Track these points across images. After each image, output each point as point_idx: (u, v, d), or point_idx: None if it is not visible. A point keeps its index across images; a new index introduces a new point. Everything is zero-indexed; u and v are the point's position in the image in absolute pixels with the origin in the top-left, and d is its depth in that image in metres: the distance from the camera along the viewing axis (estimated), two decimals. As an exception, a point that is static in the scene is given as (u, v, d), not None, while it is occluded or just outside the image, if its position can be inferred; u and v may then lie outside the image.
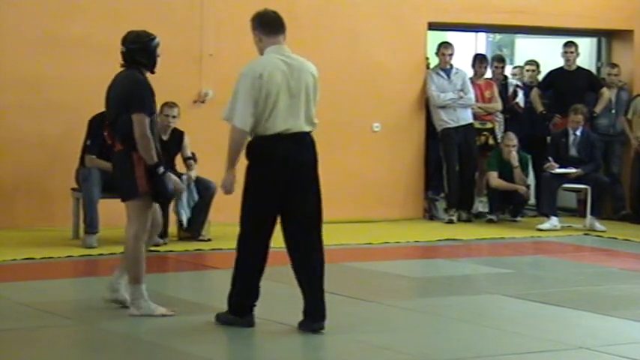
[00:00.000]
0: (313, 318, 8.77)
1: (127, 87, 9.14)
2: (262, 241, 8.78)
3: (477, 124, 15.96)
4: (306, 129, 8.73)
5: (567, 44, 16.54)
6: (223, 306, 8.90)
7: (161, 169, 9.08)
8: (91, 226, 12.52)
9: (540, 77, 17.05)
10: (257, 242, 8.78)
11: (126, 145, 9.05)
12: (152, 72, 9.28)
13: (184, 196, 12.92)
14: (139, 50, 9.17)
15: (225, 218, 12.22)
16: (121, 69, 9.25)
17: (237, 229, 8.82)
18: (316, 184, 8.83)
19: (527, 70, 17.42)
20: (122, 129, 9.06)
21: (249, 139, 8.67)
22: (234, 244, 8.86)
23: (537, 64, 17.39)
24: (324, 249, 8.86)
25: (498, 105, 16.26)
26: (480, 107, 15.95)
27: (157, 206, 9.42)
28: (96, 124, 11.95)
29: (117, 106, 9.16)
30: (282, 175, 8.70)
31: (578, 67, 16.58)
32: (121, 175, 9.24)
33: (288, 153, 8.67)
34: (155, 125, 9.27)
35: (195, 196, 13.00)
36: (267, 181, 8.67)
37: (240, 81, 8.60)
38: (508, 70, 17.59)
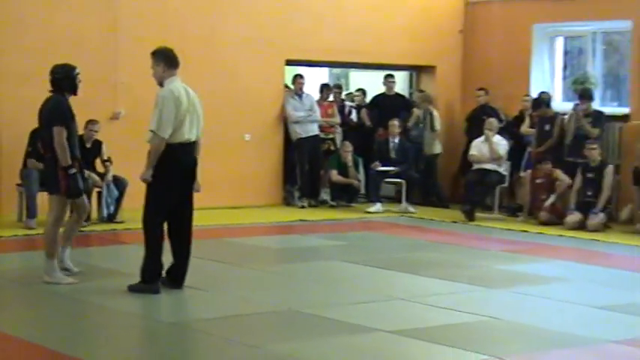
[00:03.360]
0: (179, 280, 8.85)
1: (50, 108, 9.02)
2: (162, 222, 8.76)
3: (322, 135, 15.97)
4: (194, 140, 8.79)
5: (388, 76, 16.60)
6: (135, 271, 8.87)
7: (72, 170, 8.91)
8: (31, 212, 12.41)
9: (367, 100, 17.19)
10: (160, 222, 8.74)
11: (52, 152, 8.95)
12: (74, 94, 9.15)
13: (105, 195, 12.88)
14: (64, 79, 9.05)
15: (134, 205, 12.18)
16: (50, 93, 9.13)
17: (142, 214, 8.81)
18: (193, 184, 8.93)
19: (356, 96, 17.51)
20: (48, 140, 8.95)
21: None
22: (140, 226, 8.87)
23: (364, 91, 17.47)
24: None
25: (337, 119, 16.30)
26: (325, 121, 16.03)
27: (84, 197, 9.35)
28: (35, 136, 11.80)
29: (44, 123, 9.06)
30: (182, 175, 8.76)
31: (396, 93, 16.71)
32: (49, 175, 9.16)
33: (186, 157, 8.75)
34: (75, 135, 9.15)
35: (116, 193, 12.91)
36: (171, 178, 8.67)
37: (164, 101, 8.53)
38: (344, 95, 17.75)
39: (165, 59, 8.76)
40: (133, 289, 8.73)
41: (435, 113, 16.35)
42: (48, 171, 9.20)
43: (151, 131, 8.59)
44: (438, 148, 16.45)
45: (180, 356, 7.03)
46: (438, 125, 16.30)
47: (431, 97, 16.60)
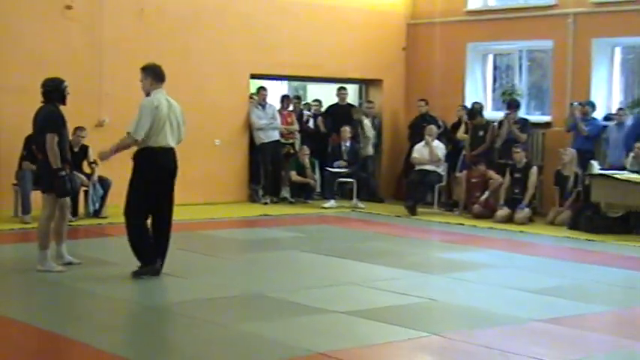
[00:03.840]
0: (160, 264, 8.84)
1: (43, 116, 8.97)
2: (144, 217, 8.75)
3: (283, 140, 15.96)
4: (175, 145, 8.84)
5: (341, 88, 16.64)
6: (120, 260, 8.81)
7: (61, 173, 8.88)
8: (26, 209, 12.32)
9: (323, 109, 17.21)
10: (141, 217, 8.73)
11: (45, 155, 8.91)
12: (63, 104, 9.10)
13: (91, 194, 12.82)
14: (53, 91, 9.01)
15: (117, 202, 12.14)
16: (42, 104, 9.08)
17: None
18: (174, 184, 8.91)
19: (314, 105, 17.56)
20: (42, 145, 8.91)
21: (136, 147, 8.68)
22: (123, 220, 8.83)
23: (320, 102, 17.52)
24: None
25: (296, 126, 16.33)
26: (285, 128, 16.04)
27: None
28: (30, 141, 11.70)
29: (38, 129, 9.01)
30: (161, 175, 8.74)
31: (348, 103, 16.73)
32: (42, 175, 9.11)
33: (166, 160, 8.75)
34: (66, 140, 9.11)
35: (101, 191, 12.89)
36: (152, 179, 8.67)
37: (143, 109, 8.58)
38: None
39: (153, 74, 8.81)
40: (137, 273, 8.71)
41: (366, 122, 16.37)
42: (41, 172, 9.14)
43: (127, 133, 8.64)
44: (370, 151, 16.49)
45: (160, 335, 7.04)
46: (368, 132, 16.35)
47: (362, 109, 16.64)
